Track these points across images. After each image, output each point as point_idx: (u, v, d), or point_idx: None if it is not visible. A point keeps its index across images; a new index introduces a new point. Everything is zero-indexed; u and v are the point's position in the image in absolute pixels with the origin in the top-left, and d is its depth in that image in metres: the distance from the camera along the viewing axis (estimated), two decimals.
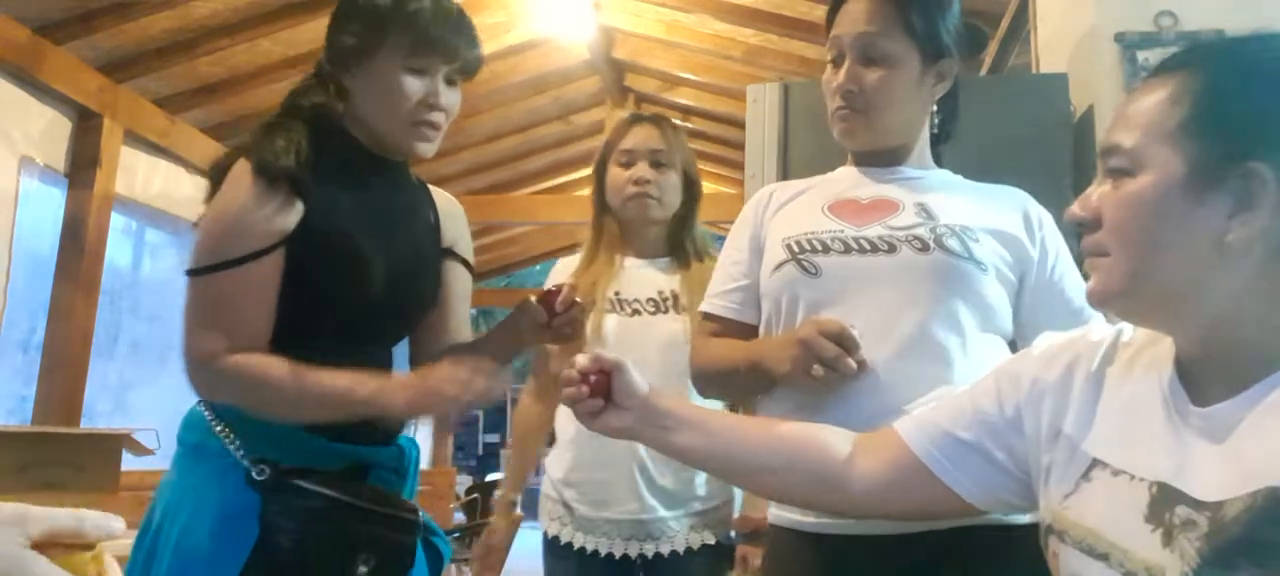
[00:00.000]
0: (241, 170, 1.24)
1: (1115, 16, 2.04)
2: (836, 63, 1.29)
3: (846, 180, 1.34)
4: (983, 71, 3.04)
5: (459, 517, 6.33)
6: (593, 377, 1.03)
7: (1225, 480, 0.73)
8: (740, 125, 2.31)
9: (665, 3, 4.34)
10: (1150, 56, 1.95)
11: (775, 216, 1.34)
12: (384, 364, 1.38)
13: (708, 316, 1.39)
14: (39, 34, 3.28)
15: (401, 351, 1.45)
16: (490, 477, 11.03)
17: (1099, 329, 0.94)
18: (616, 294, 1.88)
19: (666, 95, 5.39)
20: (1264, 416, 0.74)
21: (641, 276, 1.91)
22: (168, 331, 4.30)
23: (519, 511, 2.05)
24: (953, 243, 1.20)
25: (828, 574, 1.19)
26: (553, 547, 1.87)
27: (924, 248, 1.20)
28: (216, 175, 1.27)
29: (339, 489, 1.23)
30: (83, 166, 3.58)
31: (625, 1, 4.48)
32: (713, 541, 1.81)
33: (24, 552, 0.54)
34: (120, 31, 3.44)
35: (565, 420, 1.90)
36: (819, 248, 1.24)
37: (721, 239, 1.55)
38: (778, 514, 1.27)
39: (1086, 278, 0.87)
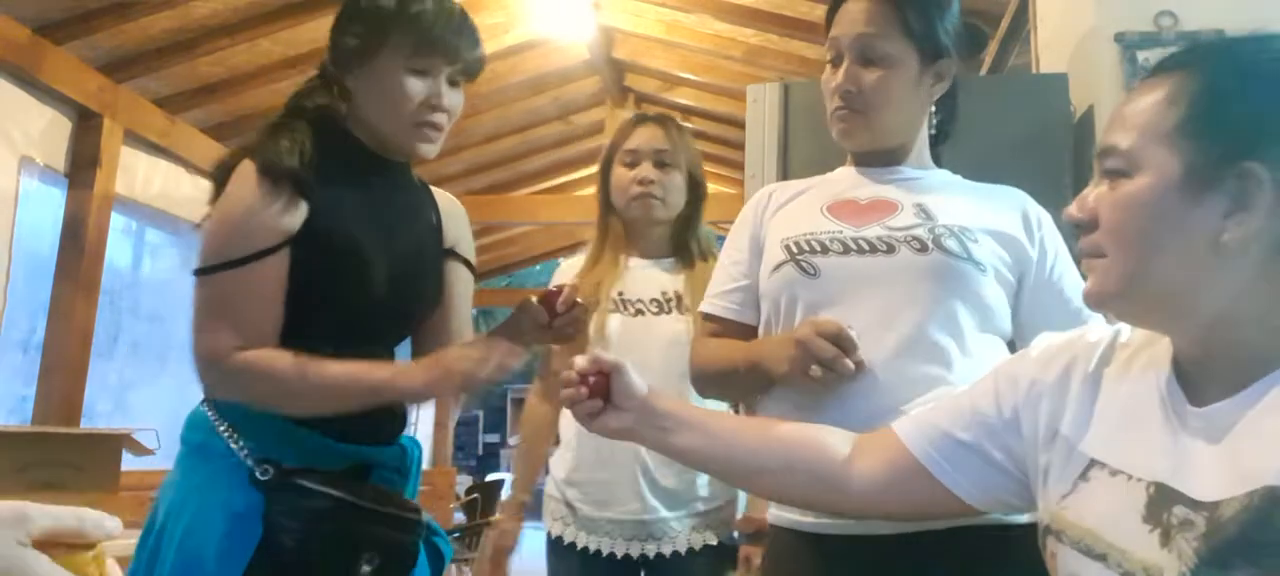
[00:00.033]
0: (246, 170, 1.25)
1: (1115, 16, 2.04)
2: (835, 63, 1.30)
3: (845, 180, 1.34)
4: (983, 71, 3.04)
5: (459, 517, 6.32)
6: (592, 379, 1.04)
7: (1222, 480, 0.73)
8: (740, 125, 2.31)
9: (665, 3, 4.34)
10: (1150, 56, 1.95)
11: (774, 217, 1.34)
12: None
13: (707, 317, 1.39)
14: (39, 34, 3.28)
15: (402, 353, 1.45)
16: (490, 477, 11.02)
17: (1097, 330, 0.94)
18: (620, 294, 1.88)
19: (666, 95, 5.39)
20: (1261, 416, 0.74)
21: (645, 276, 1.91)
22: (168, 331, 4.30)
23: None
24: (951, 243, 1.20)
25: (827, 574, 1.19)
26: (556, 547, 1.87)
27: (922, 248, 1.20)
28: (221, 175, 1.27)
29: (342, 488, 1.23)
30: (83, 166, 3.57)
31: (625, 1, 4.48)
32: (715, 542, 1.81)
33: (25, 551, 0.54)
34: (120, 31, 3.44)
35: (569, 420, 1.90)
36: (818, 248, 1.24)
37: (722, 239, 1.55)
38: (777, 514, 1.27)
39: (1085, 278, 0.87)
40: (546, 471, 2.01)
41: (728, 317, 1.35)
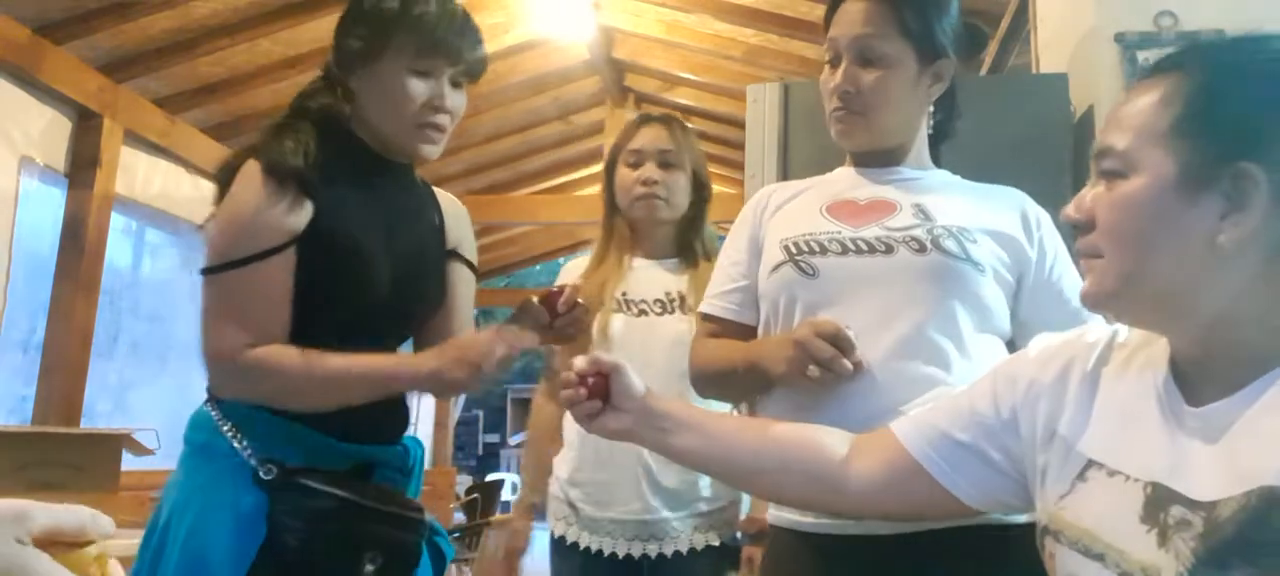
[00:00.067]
0: (251, 170, 1.25)
1: (1115, 16, 2.04)
2: (833, 64, 1.30)
3: (844, 181, 1.35)
4: (983, 71, 3.04)
5: (459, 517, 6.33)
6: (591, 380, 1.04)
7: (1220, 480, 0.73)
8: (740, 125, 2.31)
9: (665, 3, 4.34)
10: (1150, 56, 1.95)
11: (773, 217, 1.35)
12: None
13: (706, 317, 1.39)
14: (39, 34, 3.28)
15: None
16: (490, 477, 11.02)
17: (1095, 330, 0.94)
18: (624, 294, 1.88)
19: (666, 95, 5.39)
20: (1258, 416, 0.74)
21: (649, 277, 1.91)
22: (168, 331, 4.30)
23: None
24: (950, 243, 1.20)
25: (826, 573, 1.20)
26: (558, 547, 1.87)
27: (921, 248, 1.20)
28: (225, 176, 1.28)
29: (345, 488, 1.24)
30: (83, 166, 3.58)
31: (625, 1, 4.48)
32: (717, 542, 1.81)
33: (25, 549, 0.54)
34: (120, 31, 3.44)
35: (572, 421, 1.90)
36: (816, 249, 1.24)
37: (724, 239, 1.55)
38: (776, 514, 1.27)
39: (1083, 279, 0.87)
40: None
41: (727, 318, 1.35)
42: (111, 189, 3.67)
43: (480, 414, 17.88)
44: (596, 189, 6.44)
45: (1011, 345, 1.25)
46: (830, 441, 1.04)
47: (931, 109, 1.33)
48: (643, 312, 1.86)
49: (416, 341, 1.46)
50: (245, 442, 1.24)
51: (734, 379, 1.31)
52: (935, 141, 1.37)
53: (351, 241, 1.28)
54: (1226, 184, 0.75)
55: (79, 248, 3.53)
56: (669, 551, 1.78)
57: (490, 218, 6.02)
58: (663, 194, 1.89)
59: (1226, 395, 0.76)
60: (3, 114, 3.25)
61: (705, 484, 1.82)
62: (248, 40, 3.72)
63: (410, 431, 1.43)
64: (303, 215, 1.25)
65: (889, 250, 1.22)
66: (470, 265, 1.51)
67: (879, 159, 1.32)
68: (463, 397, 10.82)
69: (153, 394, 4.15)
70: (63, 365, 3.44)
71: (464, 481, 8.24)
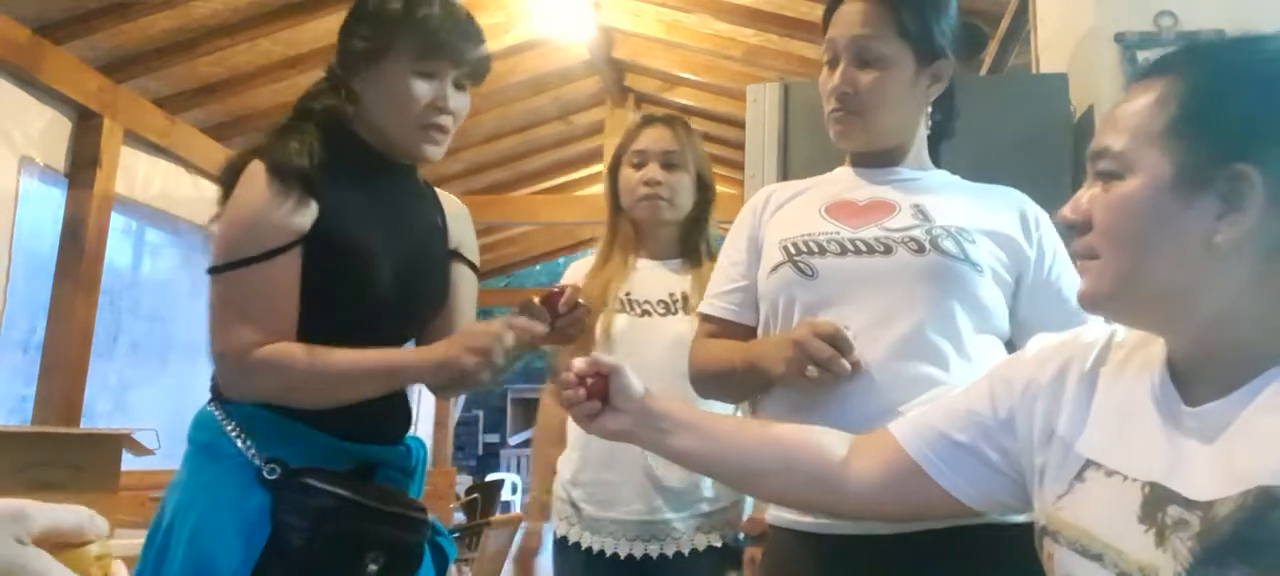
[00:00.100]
0: (256, 170, 1.26)
1: (1115, 16, 2.03)
2: (832, 65, 1.30)
3: (843, 181, 1.35)
4: (983, 71, 3.04)
5: (459, 517, 6.32)
6: (590, 380, 1.04)
7: (1216, 480, 0.74)
8: (740, 125, 2.31)
9: (665, 3, 4.34)
10: (1150, 56, 1.94)
11: (773, 218, 1.35)
12: None
13: (706, 317, 1.39)
14: (39, 34, 3.28)
15: None
16: (490, 477, 11.02)
17: (1092, 330, 0.95)
18: (627, 295, 1.89)
19: (666, 95, 5.40)
20: (1254, 416, 0.74)
21: (653, 277, 1.91)
22: (168, 331, 4.30)
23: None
24: (948, 244, 1.20)
25: (825, 573, 1.20)
26: (561, 547, 1.87)
27: (920, 249, 1.21)
28: (229, 176, 1.29)
29: (349, 488, 1.24)
30: (83, 166, 3.58)
31: (625, 1, 4.48)
32: (719, 543, 1.81)
33: (24, 549, 0.54)
34: (120, 31, 3.44)
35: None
36: (815, 249, 1.24)
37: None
38: (776, 514, 1.27)
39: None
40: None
41: (726, 318, 1.36)
42: (111, 189, 3.67)
43: (480, 414, 17.88)
44: (596, 189, 6.44)
45: (1010, 345, 1.25)
46: (829, 442, 1.04)
47: (930, 109, 1.34)
48: (646, 313, 1.86)
49: (418, 342, 1.46)
50: (249, 442, 1.24)
51: (733, 379, 1.31)
52: (934, 141, 1.37)
53: (355, 242, 1.29)
54: (1222, 185, 0.75)
55: (79, 248, 3.53)
56: (670, 552, 1.78)
57: (490, 218, 6.02)
58: (666, 195, 1.90)
59: (1223, 395, 0.77)
60: (3, 114, 3.25)
61: (708, 484, 1.82)
62: (248, 40, 3.72)
63: (411, 431, 1.43)
64: (308, 215, 1.26)
65: (888, 251, 1.22)
66: (472, 266, 1.52)
67: (878, 159, 1.33)
68: (462, 398, 10.83)
69: (153, 394, 4.15)
70: (63, 365, 3.44)
71: (464, 481, 8.23)
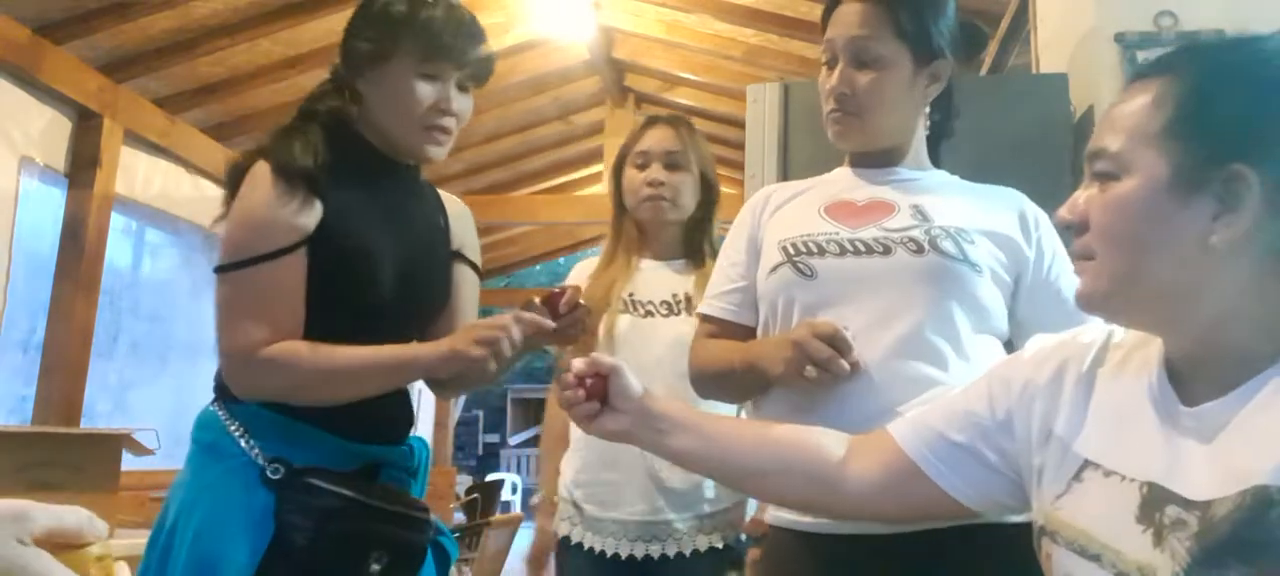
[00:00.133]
0: (262, 171, 1.27)
1: (1115, 16, 2.03)
2: (830, 65, 1.30)
3: (842, 182, 1.35)
4: (983, 71, 3.04)
5: (459, 517, 6.32)
6: (589, 381, 1.04)
7: (1214, 479, 0.74)
8: (740, 125, 2.31)
9: (665, 3, 4.34)
10: (1150, 56, 1.93)
11: (772, 218, 1.35)
12: None
13: (705, 318, 1.39)
14: (39, 34, 3.28)
15: None
16: (490, 477, 11.02)
17: (1090, 331, 0.95)
18: (631, 295, 1.89)
19: (666, 95, 5.40)
20: (1252, 416, 0.74)
21: (656, 278, 1.92)
22: (168, 331, 4.30)
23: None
24: (947, 244, 1.20)
25: (824, 573, 1.20)
26: (563, 547, 1.87)
27: (919, 249, 1.21)
28: (234, 177, 1.29)
29: (352, 488, 1.25)
30: (83, 166, 3.58)
31: (625, 1, 4.48)
32: (721, 544, 1.81)
33: (25, 549, 0.54)
34: (120, 31, 3.44)
35: None
36: (814, 250, 1.24)
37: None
38: (775, 514, 1.27)
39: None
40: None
41: (726, 319, 1.36)
42: (111, 189, 3.67)
43: (480, 414, 17.88)
44: (597, 189, 6.45)
45: (1009, 345, 1.25)
46: (827, 443, 1.04)
47: (928, 109, 1.34)
48: (649, 314, 1.87)
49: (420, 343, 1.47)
50: (253, 442, 1.25)
51: (732, 379, 1.31)
52: (933, 142, 1.38)
53: (358, 242, 1.30)
54: (1218, 185, 0.75)
55: (79, 248, 3.53)
56: (672, 552, 1.78)
57: (490, 218, 6.01)
58: (669, 195, 1.90)
59: (1220, 395, 0.77)
60: (3, 114, 3.25)
61: (710, 485, 1.82)
62: (248, 40, 3.72)
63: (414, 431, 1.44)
64: (313, 215, 1.27)
65: (887, 251, 1.22)
66: (474, 267, 1.53)
67: (876, 160, 1.33)
68: (462, 398, 10.83)
69: (153, 394, 4.15)
70: (63, 365, 3.44)
71: (464, 481, 8.23)
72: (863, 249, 1.23)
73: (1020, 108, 2.03)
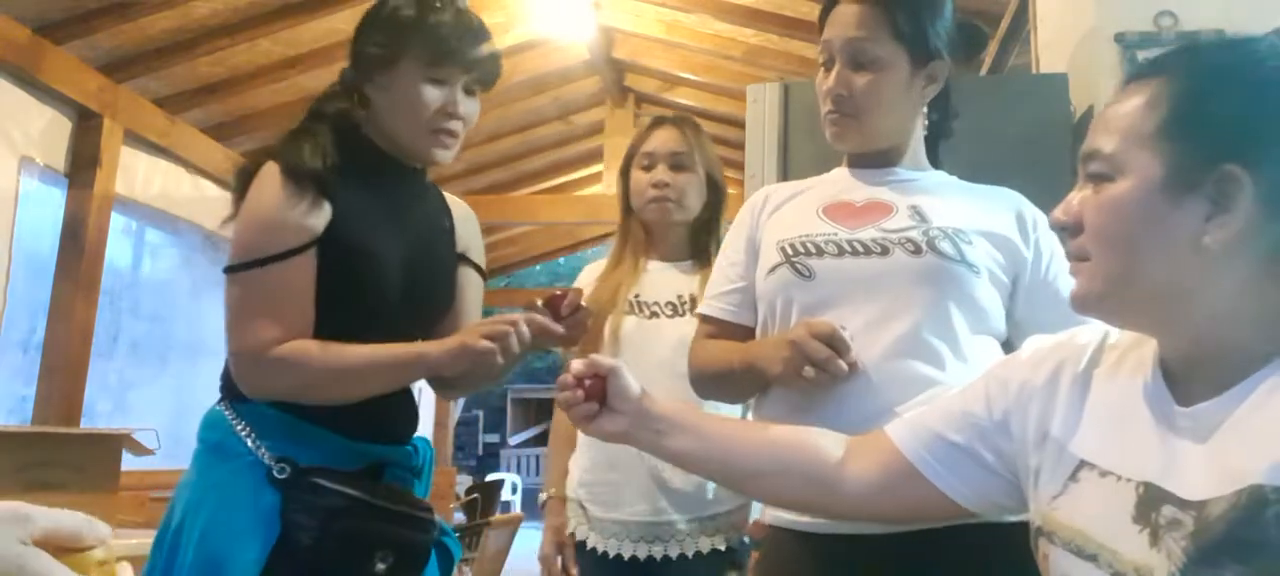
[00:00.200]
0: (271, 172, 1.28)
1: (1115, 16, 2.03)
2: (827, 66, 1.30)
3: (840, 182, 1.35)
4: (983, 71, 3.04)
5: (459, 517, 6.33)
6: (588, 382, 1.04)
7: (1210, 479, 0.74)
8: (740, 125, 2.31)
9: (665, 3, 4.35)
10: (1150, 56, 1.95)
11: (770, 219, 1.35)
12: None
13: (704, 318, 1.40)
14: (39, 34, 3.28)
15: None
16: (490, 477, 11.01)
17: (1086, 332, 0.95)
18: (636, 296, 1.90)
19: (666, 95, 5.40)
20: (1247, 415, 0.74)
21: (662, 279, 1.92)
22: (168, 331, 4.30)
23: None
24: (945, 245, 1.20)
25: (822, 573, 1.20)
26: (574, 544, 1.88)
27: (917, 250, 1.21)
28: (243, 178, 1.30)
29: (357, 487, 1.26)
30: (83, 166, 3.58)
31: (625, 1, 4.48)
32: (724, 546, 1.81)
33: (26, 549, 0.54)
34: (120, 31, 3.44)
35: None
36: (813, 250, 1.25)
37: None
38: (774, 514, 1.28)
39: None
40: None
41: (725, 319, 1.36)
42: (111, 189, 3.67)
43: (480, 414, 17.89)
44: (597, 189, 6.44)
45: (1008, 345, 1.25)
46: (825, 444, 1.04)
47: (926, 110, 1.34)
48: (654, 315, 1.87)
49: None
50: (259, 442, 1.26)
51: (731, 379, 1.31)
52: (932, 142, 1.38)
53: (365, 244, 1.31)
54: (1211, 186, 0.76)
55: (79, 248, 3.53)
56: (674, 553, 1.78)
57: (490, 218, 6.01)
58: (674, 196, 1.90)
59: (1215, 395, 0.77)
60: (3, 114, 3.25)
61: (712, 486, 1.82)
62: (248, 40, 3.72)
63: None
64: (322, 216, 1.28)
65: (885, 252, 1.22)
66: (479, 269, 1.53)
67: (874, 160, 1.33)
68: (462, 399, 10.83)
69: (153, 394, 4.15)
70: (63, 365, 3.44)
71: (464, 481, 8.23)
72: (861, 249, 1.23)
73: (1020, 108, 2.03)
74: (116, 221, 3.81)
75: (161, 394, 4.17)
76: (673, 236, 1.96)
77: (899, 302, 1.20)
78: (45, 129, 3.47)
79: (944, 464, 0.96)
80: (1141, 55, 1.96)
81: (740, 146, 2.20)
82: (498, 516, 5.13)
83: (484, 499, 6.82)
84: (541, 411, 17.31)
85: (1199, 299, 0.78)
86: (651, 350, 1.80)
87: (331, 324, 1.28)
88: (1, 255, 3.26)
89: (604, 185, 5.65)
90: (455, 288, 1.48)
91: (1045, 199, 1.32)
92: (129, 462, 2.72)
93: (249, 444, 1.25)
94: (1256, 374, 0.75)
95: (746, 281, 1.35)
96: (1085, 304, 0.85)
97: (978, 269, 1.21)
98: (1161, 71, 0.82)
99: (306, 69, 3.98)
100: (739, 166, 2.20)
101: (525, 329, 1.25)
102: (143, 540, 1.28)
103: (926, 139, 1.36)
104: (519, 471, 15.91)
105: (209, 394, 1.37)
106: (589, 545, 1.83)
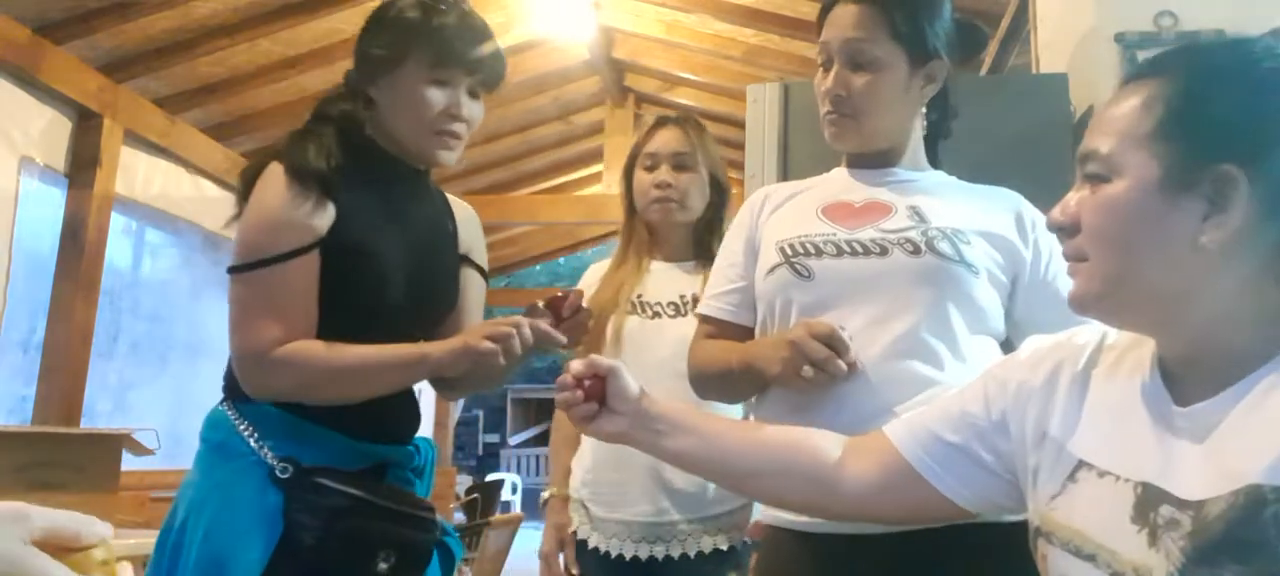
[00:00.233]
0: (275, 172, 1.28)
1: (1115, 16, 2.03)
2: (825, 67, 1.30)
3: (839, 183, 1.35)
4: (983, 71, 3.04)
5: (459, 517, 6.33)
6: (587, 382, 1.04)
7: (1207, 479, 0.74)
8: (740, 125, 2.31)
9: (665, 3, 4.35)
10: (1150, 56, 1.95)
11: (769, 219, 1.35)
12: None
13: (704, 318, 1.40)
14: (39, 34, 3.28)
15: None
16: (490, 477, 11.02)
17: (1085, 332, 0.95)
18: (639, 297, 1.90)
19: (666, 95, 5.40)
20: (1244, 415, 0.75)
21: (666, 279, 1.92)
22: (168, 331, 4.30)
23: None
24: (944, 246, 1.21)
25: (821, 572, 1.20)
26: (577, 543, 1.88)
27: (915, 250, 1.21)
28: (247, 179, 1.31)
29: (360, 487, 1.26)
30: (83, 166, 3.58)
31: (625, 1, 4.48)
32: (726, 546, 1.81)
33: (26, 549, 0.55)
34: (120, 31, 3.44)
35: None
36: (811, 251, 1.25)
37: None
38: (773, 514, 1.27)
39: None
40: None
41: (724, 319, 1.36)
42: (111, 189, 3.67)
43: (480, 414, 17.89)
44: (597, 189, 6.43)
45: (1007, 345, 1.25)
46: (824, 444, 1.04)
47: (925, 110, 1.34)
48: (656, 315, 1.88)
49: None
50: (262, 441, 1.26)
51: (731, 379, 1.31)
52: (931, 142, 1.38)
53: (368, 245, 1.31)
54: (1207, 186, 0.76)
55: (79, 248, 3.53)
56: (676, 553, 1.78)
57: (490, 218, 5.99)
58: (676, 197, 1.90)
59: (1213, 394, 0.77)
60: (3, 114, 3.26)
61: (715, 487, 1.82)
62: (248, 40, 3.72)
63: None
64: (326, 217, 1.28)
65: (883, 252, 1.22)
66: (481, 270, 1.54)
67: (873, 161, 1.33)
68: (462, 399, 10.83)
69: (153, 394, 4.15)
70: (63, 365, 3.44)
71: (464, 481, 8.23)
72: (860, 250, 1.23)
73: (1020, 108, 2.03)
74: (116, 221, 3.81)
75: (161, 394, 4.17)
76: (676, 237, 1.96)
77: (898, 303, 1.20)
78: (45, 129, 3.47)
79: (942, 464, 0.96)
80: (1141, 55, 1.96)
81: (740, 146, 2.20)
82: (498, 516, 5.13)
83: (484, 499, 6.83)
84: (541, 411, 17.32)
85: (1196, 299, 0.78)
86: (654, 350, 1.81)
87: (334, 324, 1.29)
88: (1, 255, 3.26)
89: (604, 185, 5.65)
90: (458, 289, 1.48)
91: (1045, 199, 1.32)
92: (129, 462, 2.72)
93: (252, 443, 1.26)
94: (1254, 373, 0.75)
95: (746, 281, 1.35)
96: (1083, 304, 0.85)
97: (976, 269, 1.21)
98: (1158, 72, 0.82)
99: (306, 69, 3.98)
100: (739, 166, 2.20)
101: (527, 331, 1.25)
102: (143, 540, 1.28)
103: (925, 139, 1.36)
104: (519, 471, 15.91)
105: (209, 394, 1.37)
106: (591, 545, 1.83)
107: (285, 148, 1.32)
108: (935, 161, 1.38)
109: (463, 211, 1.54)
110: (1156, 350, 0.84)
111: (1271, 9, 1.87)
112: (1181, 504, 0.75)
